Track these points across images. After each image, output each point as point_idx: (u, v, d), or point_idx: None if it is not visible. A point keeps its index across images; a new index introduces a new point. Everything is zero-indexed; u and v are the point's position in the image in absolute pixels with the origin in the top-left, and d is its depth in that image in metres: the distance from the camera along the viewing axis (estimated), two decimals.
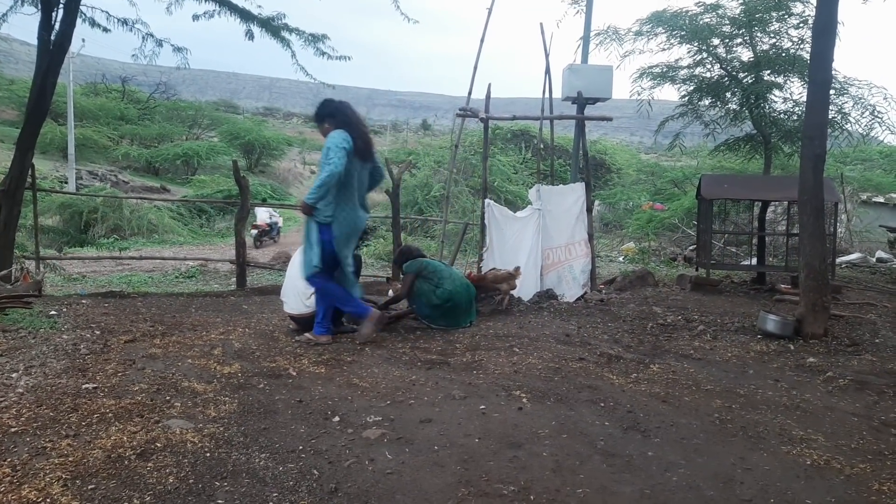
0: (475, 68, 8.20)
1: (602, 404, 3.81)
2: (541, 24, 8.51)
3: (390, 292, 6.94)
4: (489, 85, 8.12)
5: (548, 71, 8.44)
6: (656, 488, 2.79)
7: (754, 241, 10.30)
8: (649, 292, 7.96)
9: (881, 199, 17.58)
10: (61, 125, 33.09)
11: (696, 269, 10.13)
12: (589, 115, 8.52)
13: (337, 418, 3.41)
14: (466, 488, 2.71)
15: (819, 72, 6.02)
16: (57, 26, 7.37)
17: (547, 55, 8.45)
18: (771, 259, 11.60)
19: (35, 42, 7.50)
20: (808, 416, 3.79)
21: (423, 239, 18.43)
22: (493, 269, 7.03)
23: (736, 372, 4.70)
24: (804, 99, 8.15)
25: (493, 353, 4.89)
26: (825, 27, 5.93)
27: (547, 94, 8.45)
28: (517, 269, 6.82)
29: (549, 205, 7.83)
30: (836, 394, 4.27)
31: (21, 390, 3.55)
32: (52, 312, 5.52)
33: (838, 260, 11.33)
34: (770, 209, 11.55)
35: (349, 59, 9.83)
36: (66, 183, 27.36)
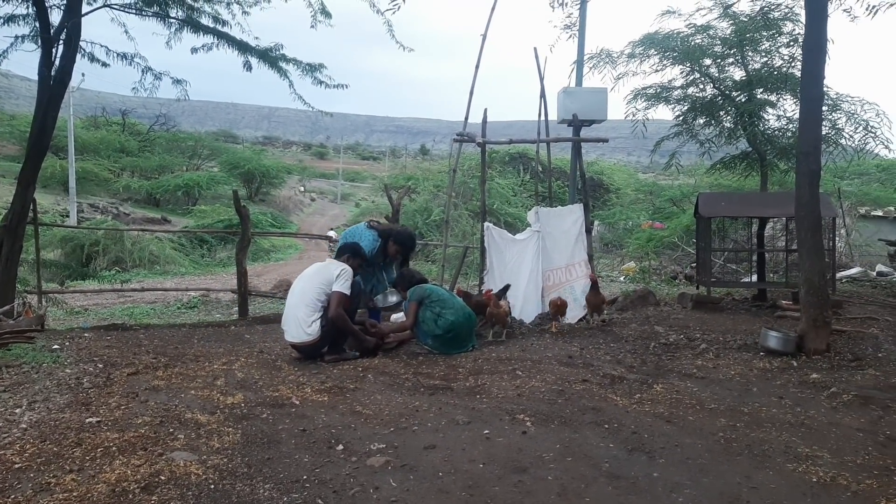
0: (471, 94, 8.27)
1: (606, 426, 3.80)
2: (535, 48, 8.61)
3: (393, 317, 6.94)
4: (485, 110, 8.20)
5: (543, 94, 8.52)
6: None
7: (754, 257, 10.31)
8: (651, 312, 7.96)
9: (880, 213, 17.62)
10: (62, 159, 33.33)
11: (697, 288, 10.14)
12: (585, 137, 8.58)
13: (341, 447, 3.40)
14: None
15: (811, 89, 6.09)
16: (57, 62, 7.47)
17: (542, 79, 8.53)
18: (771, 275, 11.59)
19: (35, 78, 7.61)
20: (812, 433, 3.78)
21: (423, 263, 18.44)
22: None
23: (739, 390, 4.69)
24: (797, 116, 8.21)
25: (496, 377, 4.89)
26: (815, 45, 6.01)
27: (543, 118, 8.53)
28: (505, 300, 6.92)
29: (547, 227, 7.85)
30: (840, 409, 4.26)
31: (24, 426, 3.56)
32: (55, 347, 5.52)
33: (838, 275, 11.32)
34: (768, 225, 11.58)
35: (346, 87, 9.95)
36: (68, 216, 27.49)
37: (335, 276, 5.52)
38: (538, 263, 7.71)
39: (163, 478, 2.93)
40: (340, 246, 6.31)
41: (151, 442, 3.36)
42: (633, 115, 10.66)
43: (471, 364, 5.36)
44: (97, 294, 13.30)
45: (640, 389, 4.64)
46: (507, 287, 7.06)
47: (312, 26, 8.96)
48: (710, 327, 6.89)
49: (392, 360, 5.49)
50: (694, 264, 13.56)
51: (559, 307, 7.01)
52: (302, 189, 58.88)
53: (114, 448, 3.25)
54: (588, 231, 8.13)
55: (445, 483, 2.99)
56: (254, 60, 8.93)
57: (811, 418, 4.05)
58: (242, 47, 8.78)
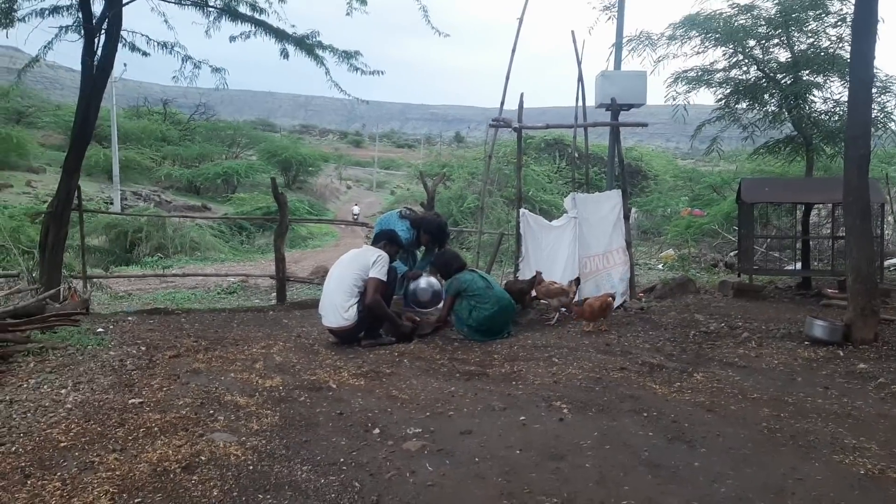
0: (507, 79, 8.19)
1: (645, 414, 3.74)
2: (572, 31, 8.50)
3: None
4: (521, 95, 8.10)
5: (580, 78, 8.40)
6: (704, 500, 2.72)
7: (798, 245, 10.05)
8: (690, 300, 7.83)
9: None
10: (105, 148, 34.13)
11: (739, 275, 9.94)
12: (623, 122, 8.43)
13: (377, 430, 3.42)
14: (509, 500, 2.69)
15: (860, 70, 5.88)
16: (99, 52, 7.60)
17: (579, 63, 8.42)
18: (816, 263, 11.30)
19: (79, 68, 7.75)
20: (860, 424, 3.67)
21: (458, 251, 18.45)
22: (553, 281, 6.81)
23: (783, 379, 4.58)
24: (845, 98, 7.94)
25: (532, 364, 4.85)
26: (865, 25, 5.79)
27: (580, 102, 8.41)
28: (571, 283, 6.70)
29: (585, 213, 7.74)
30: (888, 400, 4.13)
31: (70, 406, 3.65)
32: (100, 330, 5.66)
33: (886, 263, 10.98)
34: (813, 212, 11.27)
35: (382, 73, 9.90)
36: (112, 204, 28.15)
37: (371, 262, 5.54)
38: (575, 250, 7.60)
39: (203, 458, 2.98)
40: (377, 233, 6.34)
41: (192, 423, 3.42)
42: (674, 100, 10.44)
43: (506, 350, 5.34)
44: (140, 279, 13.57)
45: (679, 378, 4.56)
46: (536, 274, 6.93)
47: (348, 14, 8.93)
48: (753, 316, 6.74)
49: (428, 346, 5.49)
50: (734, 252, 13.29)
51: (605, 307, 6.16)
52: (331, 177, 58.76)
53: (156, 428, 3.32)
54: (626, 218, 8.00)
55: (482, 468, 2.98)
56: (290, 48, 8.94)
57: (858, 409, 3.93)
58: (280, 35, 8.80)
